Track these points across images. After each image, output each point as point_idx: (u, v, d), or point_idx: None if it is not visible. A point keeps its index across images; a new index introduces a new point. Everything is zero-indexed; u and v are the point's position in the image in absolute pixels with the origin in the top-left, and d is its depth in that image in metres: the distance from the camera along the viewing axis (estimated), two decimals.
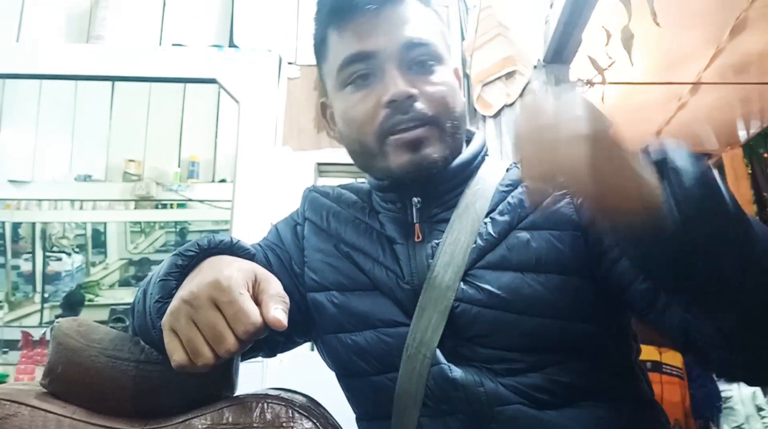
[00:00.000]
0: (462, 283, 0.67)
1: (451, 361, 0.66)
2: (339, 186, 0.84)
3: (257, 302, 0.55)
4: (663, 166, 0.49)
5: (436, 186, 0.73)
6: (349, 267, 0.75)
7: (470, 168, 0.75)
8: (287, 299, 0.57)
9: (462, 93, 0.79)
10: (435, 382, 0.65)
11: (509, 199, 0.71)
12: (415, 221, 0.73)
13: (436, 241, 0.70)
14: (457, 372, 0.65)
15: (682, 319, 0.58)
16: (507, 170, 0.76)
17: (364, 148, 0.72)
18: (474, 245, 0.68)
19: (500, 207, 0.71)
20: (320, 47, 0.77)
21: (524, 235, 0.68)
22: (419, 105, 0.68)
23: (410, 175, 0.70)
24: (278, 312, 0.54)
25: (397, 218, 0.74)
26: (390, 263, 0.72)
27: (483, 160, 0.78)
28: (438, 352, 0.66)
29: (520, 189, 0.72)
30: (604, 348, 0.67)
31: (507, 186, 0.73)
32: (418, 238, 0.72)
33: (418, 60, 0.70)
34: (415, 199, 0.73)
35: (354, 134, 0.73)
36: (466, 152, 0.76)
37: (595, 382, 0.65)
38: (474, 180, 0.74)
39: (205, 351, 0.52)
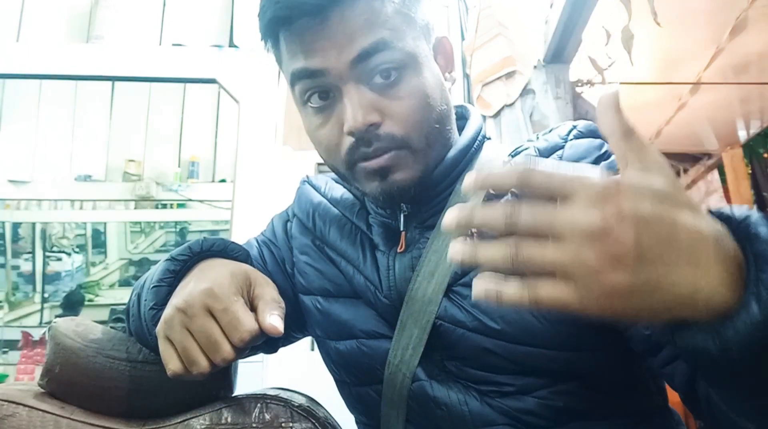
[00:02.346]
0: (445, 299, 0.61)
1: (439, 375, 0.62)
2: (335, 178, 0.78)
3: (252, 308, 0.54)
4: (744, 243, 0.37)
5: (424, 191, 0.65)
6: (334, 272, 0.71)
7: (462, 163, 0.67)
8: (283, 304, 0.56)
9: (449, 71, 0.69)
10: (416, 399, 0.63)
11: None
12: (401, 229, 0.67)
13: (419, 252, 0.64)
14: (438, 390, 0.62)
15: (689, 379, 0.51)
16: (503, 164, 0.66)
17: (336, 170, 0.66)
18: None
19: None
20: (275, 49, 0.65)
21: None
22: (385, 130, 0.59)
23: (383, 202, 0.64)
24: (274, 318, 0.53)
25: (386, 223, 0.69)
26: (370, 273, 0.67)
27: (480, 148, 0.69)
28: (420, 368, 0.62)
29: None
30: (605, 370, 0.61)
31: None
32: (401, 248, 0.66)
33: (378, 70, 0.59)
34: (403, 206, 0.66)
35: (324, 157, 0.66)
36: (455, 147, 0.67)
37: (592, 402, 0.61)
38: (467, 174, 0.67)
39: (200, 360, 0.52)
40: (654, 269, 0.34)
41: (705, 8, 2.08)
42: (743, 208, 0.39)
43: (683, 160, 3.72)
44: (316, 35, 0.58)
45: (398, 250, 0.66)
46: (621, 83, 2.38)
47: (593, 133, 0.65)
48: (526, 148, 0.66)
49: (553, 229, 0.35)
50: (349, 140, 0.60)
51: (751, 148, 3.24)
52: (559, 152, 0.64)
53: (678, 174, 3.89)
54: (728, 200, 3.31)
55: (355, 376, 0.69)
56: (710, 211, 0.40)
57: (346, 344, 0.68)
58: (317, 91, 0.61)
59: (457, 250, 0.38)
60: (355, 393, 0.71)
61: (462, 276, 0.61)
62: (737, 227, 0.38)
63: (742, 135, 3.22)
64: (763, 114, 3.00)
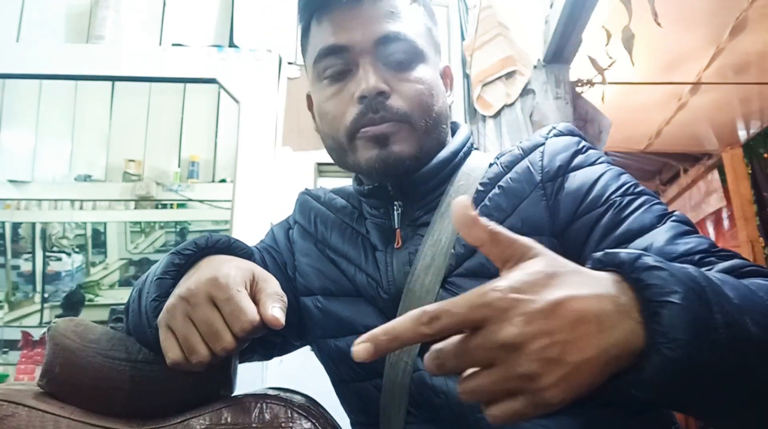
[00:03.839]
0: (442, 290, 0.64)
1: None
2: (332, 190, 0.83)
3: (255, 301, 0.55)
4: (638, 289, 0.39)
5: (416, 187, 0.71)
6: (335, 272, 0.74)
7: (451, 164, 0.73)
8: (285, 298, 0.56)
9: (448, 93, 0.77)
10: (417, 388, 0.64)
11: (486, 201, 0.68)
12: (396, 226, 0.71)
13: (415, 247, 0.68)
14: (437, 378, 0.63)
15: None
16: (489, 165, 0.73)
17: (336, 143, 0.71)
18: (453, 251, 0.66)
19: (478, 209, 0.66)
20: (304, 37, 0.75)
21: None
22: (392, 102, 0.67)
23: (378, 171, 0.68)
24: (276, 310, 0.54)
25: (381, 224, 0.73)
26: (371, 271, 0.71)
27: (468, 154, 0.76)
28: (419, 358, 0.64)
29: (496, 189, 0.69)
30: None
31: (485, 185, 0.70)
32: (398, 244, 0.70)
33: (395, 56, 0.68)
34: (396, 203, 0.71)
35: (327, 128, 0.71)
36: (446, 149, 0.73)
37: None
38: (457, 176, 0.72)
39: (201, 348, 0.52)
40: (581, 343, 0.36)
41: (705, 8, 2.08)
42: (633, 253, 0.40)
43: (683, 160, 3.73)
44: (347, 16, 0.68)
45: (395, 247, 0.70)
46: (621, 83, 2.38)
47: (571, 132, 0.72)
48: (510, 151, 0.73)
49: (481, 358, 0.37)
50: (357, 108, 0.66)
51: (751, 148, 3.24)
52: (541, 148, 0.70)
53: (678, 174, 3.89)
54: (728, 200, 3.32)
55: (355, 372, 0.70)
56: (601, 258, 0.42)
57: (347, 340, 0.70)
58: (338, 68, 0.69)
59: None
60: (353, 390, 0.72)
61: (456, 267, 0.65)
62: (629, 274, 0.39)
63: (742, 135, 3.23)
64: (763, 114, 3.00)
